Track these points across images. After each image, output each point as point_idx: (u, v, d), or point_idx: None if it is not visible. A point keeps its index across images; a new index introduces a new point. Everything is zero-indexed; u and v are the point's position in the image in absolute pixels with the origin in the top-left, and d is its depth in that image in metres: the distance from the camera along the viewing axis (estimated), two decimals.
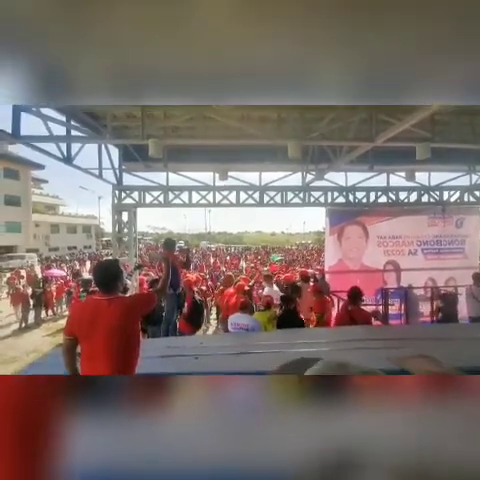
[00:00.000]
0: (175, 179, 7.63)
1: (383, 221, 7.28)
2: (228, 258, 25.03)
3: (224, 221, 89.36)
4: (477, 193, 8.21)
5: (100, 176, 6.44)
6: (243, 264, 20.35)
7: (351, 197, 7.88)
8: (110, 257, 10.58)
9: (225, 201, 7.57)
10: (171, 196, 7.54)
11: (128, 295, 2.48)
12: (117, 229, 7.51)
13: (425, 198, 8.06)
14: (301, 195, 7.69)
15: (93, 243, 37.73)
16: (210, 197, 7.57)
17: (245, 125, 4.92)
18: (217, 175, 7.15)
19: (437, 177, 8.39)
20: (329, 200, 7.76)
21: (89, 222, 38.50)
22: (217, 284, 9.68)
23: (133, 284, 5.98)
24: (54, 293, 10.33)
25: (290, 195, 7.66)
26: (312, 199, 7.72)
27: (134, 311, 1.87)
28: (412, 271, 7.03)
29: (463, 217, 7.52)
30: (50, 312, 10.08)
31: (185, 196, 7.53)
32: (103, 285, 1.83)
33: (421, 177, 8.00)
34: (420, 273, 7.04)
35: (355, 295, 3.43)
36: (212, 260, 22.69)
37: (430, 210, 7.55)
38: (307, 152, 6.28)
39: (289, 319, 3.53)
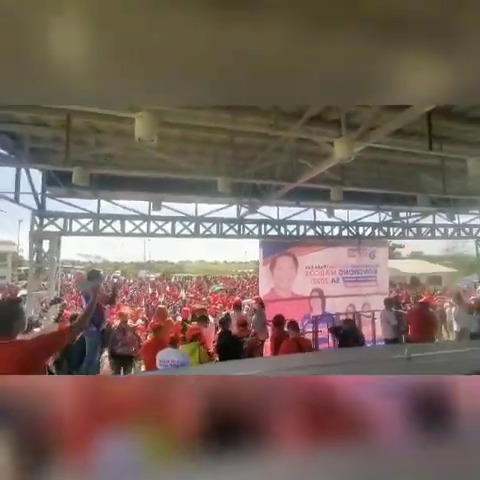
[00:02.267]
0: (107, 207, 7.31)
1: (311, 252, 7.93)
2: (168, 288, 24.04)
3: (164, 250, 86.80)
4: (385, 229, 9.59)
5: (16, 201, 5.80)
6: (183, 294, 19.73)
7: (283, 230, 8.49)
8: (25, 290, 9.34)
9: (160, 231, 7.46)
10: (102, 224, 7.17)
11: (31, 336, 2.24)
12: (35, 259, 6.75)
13: (345, 232, 9.12)
14: (236, 227, 8.01)
15: (8, 273, 32.78)
16: (144, 227, 7.40)
17: (180, 159, 5.05)
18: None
19: (355, 214, 9.62)
20: (263, 232, 8.23)
21: (5, 249, 33.66)
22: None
23: (49, 320, 5.33)
24: None
25: (225, 227, 7.92)
26: (246, 231, 8.09)
27: (36, 355, 1.70)
28: (335, 297, 7.71)
29: (375, 249, 8.65)
30: None
31: (117, 225, 7.23)
32: None
33: (342, 213, 9.12)
34: (342, 299, 7.75)
35: (294, 325, 4.00)
36: (150, 291, 21.53)
37: (349, 243, 8.53)
38: (240, 187, 6.66)
39: (227, 340, 4.02)
